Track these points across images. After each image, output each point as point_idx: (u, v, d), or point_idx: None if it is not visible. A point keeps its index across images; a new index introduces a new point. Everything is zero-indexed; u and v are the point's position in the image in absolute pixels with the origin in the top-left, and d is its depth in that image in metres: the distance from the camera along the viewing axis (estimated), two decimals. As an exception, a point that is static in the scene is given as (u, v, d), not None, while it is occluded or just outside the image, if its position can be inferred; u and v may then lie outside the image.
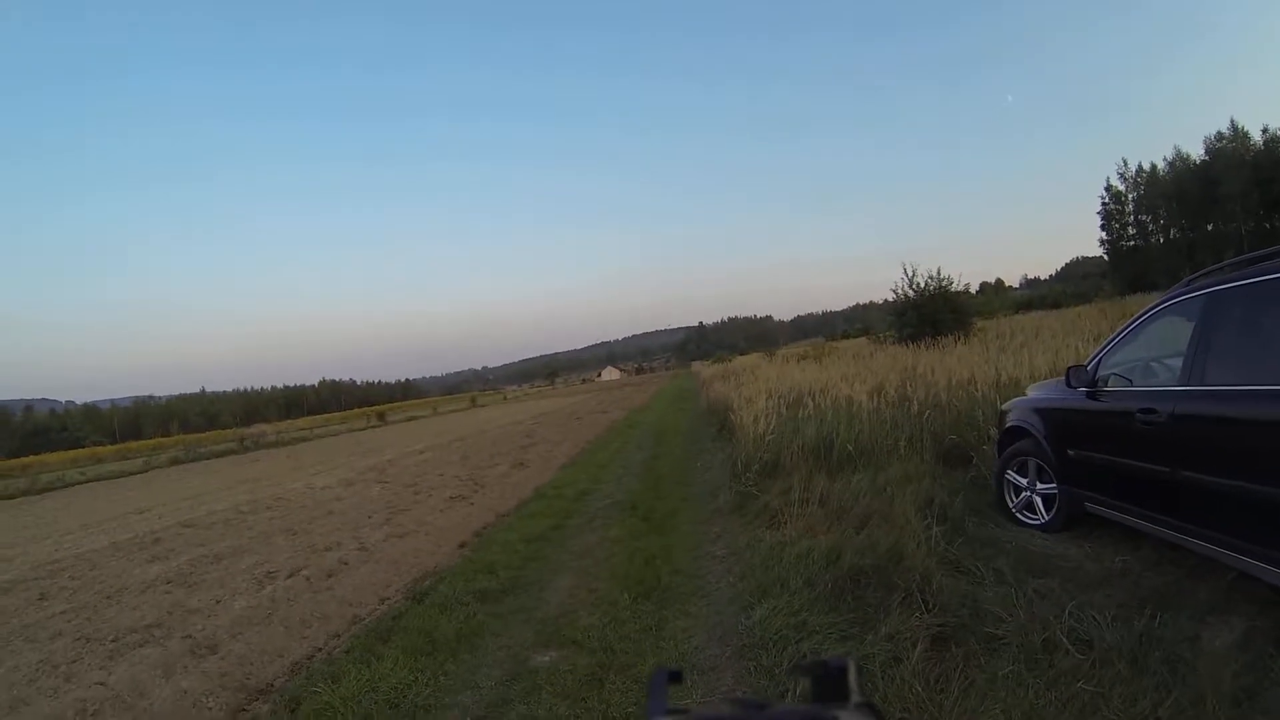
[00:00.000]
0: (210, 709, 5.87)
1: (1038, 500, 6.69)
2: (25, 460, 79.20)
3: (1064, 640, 4.15)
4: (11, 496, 37.21)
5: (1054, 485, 6.42)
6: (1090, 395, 5.81)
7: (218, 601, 8.94)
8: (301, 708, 5.46)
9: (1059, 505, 6.40)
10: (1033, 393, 7.27)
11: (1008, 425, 7.17)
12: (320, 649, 6.88)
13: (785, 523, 7.52)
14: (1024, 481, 6.83)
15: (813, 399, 12.49)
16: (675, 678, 0.95)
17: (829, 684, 0.88)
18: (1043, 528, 6.55)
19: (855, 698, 0.85)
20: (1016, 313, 58.31)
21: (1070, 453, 6.14)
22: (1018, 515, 6.88)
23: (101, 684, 6.74)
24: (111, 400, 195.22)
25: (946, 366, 13.73)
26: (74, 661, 7.54)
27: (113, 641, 7.97)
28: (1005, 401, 8.00)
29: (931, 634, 4.46)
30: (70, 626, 8.83)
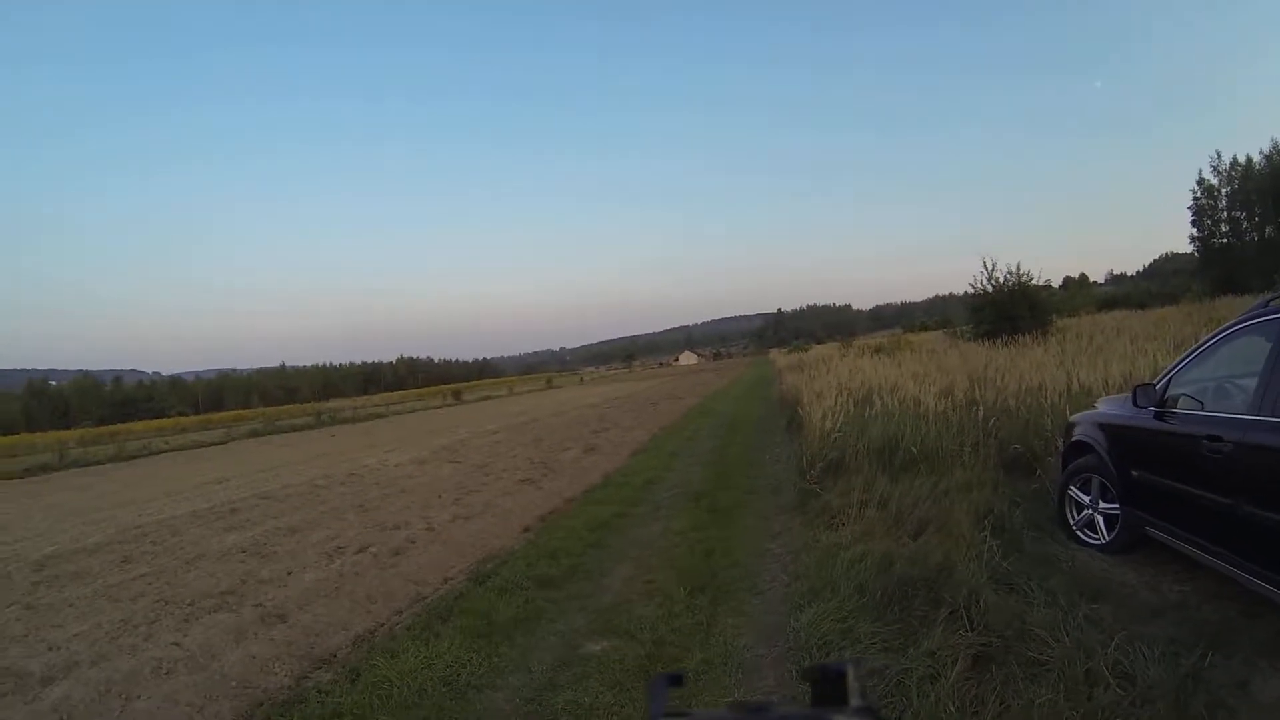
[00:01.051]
0: (276, 674, 6.14)
1: (1099, 519, 6.48)
2: (114, 428, 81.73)
3: (1106, 673, 4.03)
4: (100, 463, 38.57)
5: (1116, 505, 6.21)
6: (1158, 415, 5.61)
7: (289, 573, 9.25)
8: (361, 679, 5.67)
9: (1120, 526, 6.19)
10: (1101, 406, 7.05)
11: (1073, 439, 6.95)
12: (383, 624, 7.11)
13: (843, 524, 7.50)
14: (1086, 499, 6.63)
15: (881, 397, 12.34)
16: (675, 681, 0.94)
17: (828, 688, 0.89)
18: (1102, 548, 6.37)
19: (854, 701, 0.86)
20: (1099, 311, 55.89)
21: (1134, 473, 5.93)
22: (1078, 533, 6.69)
23: (176, 644, 7.08)
24: (196, 373, 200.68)
25: (1018, 369, 13.42)
26: (152, 622, 7.89)
27: (189, 605, 8.33)
28: (1074, 413, 7.79)
29: (973, 653, 4.39)
30: (150, 589, 9.23)
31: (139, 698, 6.01)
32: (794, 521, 8.69)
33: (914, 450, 9.56)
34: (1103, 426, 6.56)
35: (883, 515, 7.43)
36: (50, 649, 7.42)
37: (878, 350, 34.61)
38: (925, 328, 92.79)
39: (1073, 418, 7.42)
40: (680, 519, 9.72)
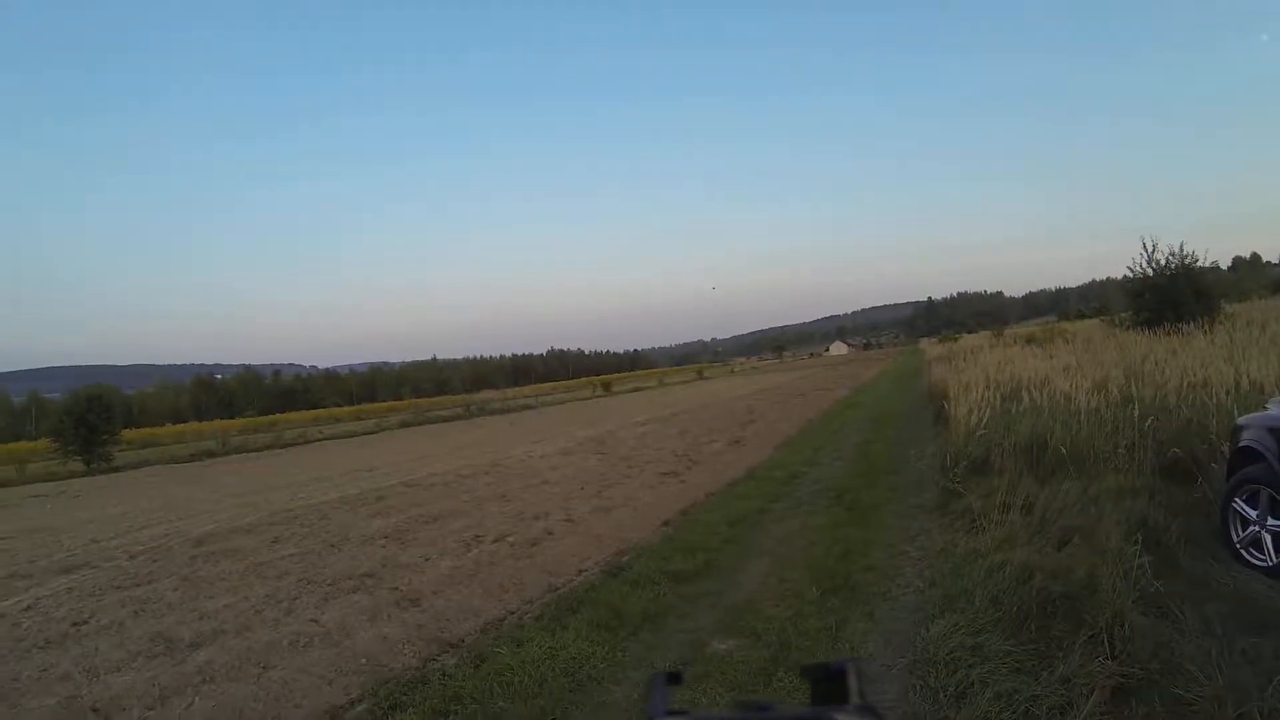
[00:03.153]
0: (404, 655, 6.41)
1: (1267, 538, 5.74)
2: (272, 418, 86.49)
3: (1259, 720, 3.63)
4: (259, 450, 40.79)
5: (1288, 523, 5.57)
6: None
7: (426, 559, 9.58)
8: (484, 666, 5.83)
9: (1291, 547, 5.55)
10: (1273, 408, 6.36)
11: (1241, 444, 6.25)
12: (512, 613, 7.27)
13: (984, 529, 7.14)
14: (1253, 514, 5.89)
15: (1029, 392, 11.76)
16: (675, 679, 0.95)
17: (829, 686, 0.89)
18: (1269, 571, 5.63)
19: (855, 700, 0.86)
20: (1275, 295, 50.86)
21: None
22: (1242, 553, 5.96)
23: (314, 621, 7.49)
24: (350, 366, 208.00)
25: (1180, 362, 12.52)
26: (295, 599, 8.38)
27: (329, 585, 8.77)
28: (1243, 414, 7.00)
29: (1112, 684, 4.06)
30: (296, 568, 9.77)
31: (275, 667, 6.39)
32: (934, 523, 8.41)
33: (1063, 451, 8.98)
34: (1273, 431, 5.89)
35: (1026, 521, 7.00)
36: (200, 618, 8.02)
37: (1029, 340, 33.32)
38: (1081, 315, 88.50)
39: (1241, 420, 6.65)
40: (820, 516, 9.60)
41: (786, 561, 7.79)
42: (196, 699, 5.96)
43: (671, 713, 0.86)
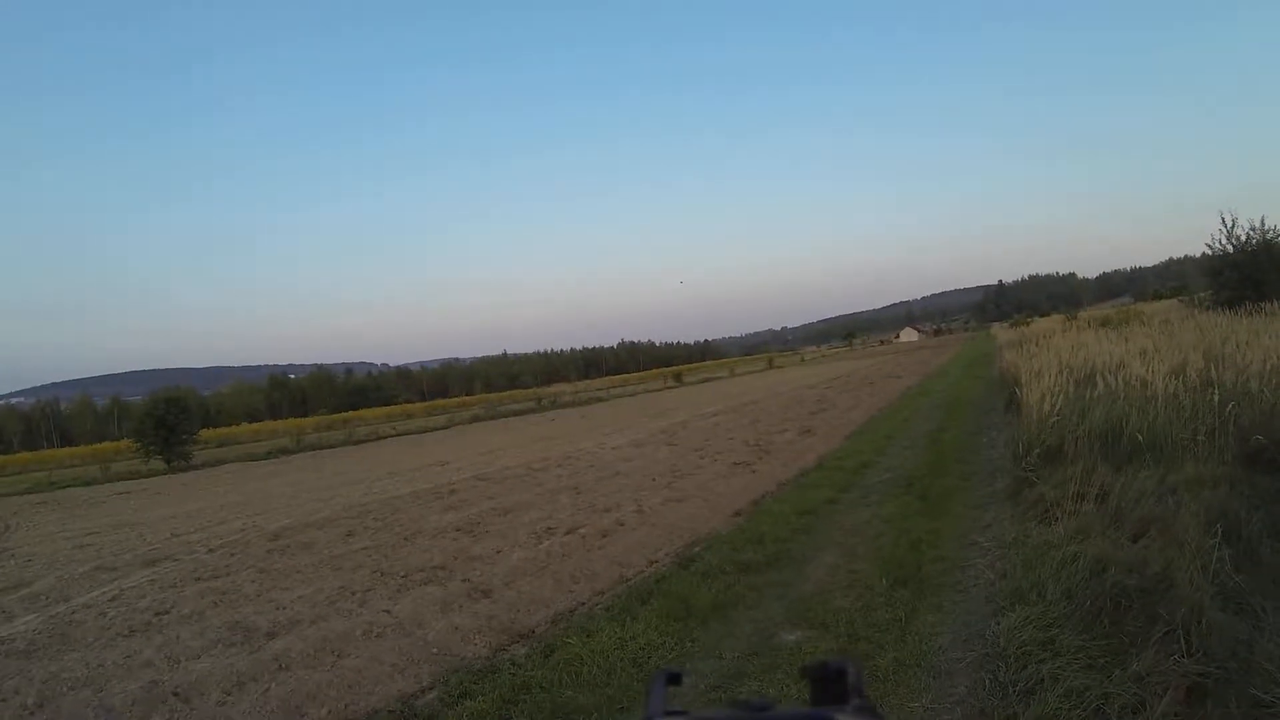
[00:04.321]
0: (474, 645, 6.54)
1: None
2: (345, 415, 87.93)
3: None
4: (332, 446, 41.60)
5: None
6: None
7: (498, 551, 9.71)
8: (554, 656, 5.93)
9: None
10: None
11: None
12: (583, 604, 7.37)
13: (1057, 519, 6.93)
14: None
15: (1104, 377, 11.45)
16: (674, 679, 0.96)
17: (828, 686, 0.89)
18: None
19: (855, 700, 0.86)
20: None
21: None
22: None
23: (387, 612, 7.66)
24: (422, 363, 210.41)
25: (1263, 344, 12.05)
26: (368, 590, 8.58)
27: (402, 577, 8.96)
28: None
29: (1188, 683, 3.94)
30: (369, 561, 10.01)
31: (349, 655, 6.59)
32: (1006, 512, 8.29)
33: (1139, 438, 8.72)
34: None
35: (1100, 511, 6.77)
36: (277, 608, 8.28)
37: (1103, 323, 32.46)
38: (1158, 296, 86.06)
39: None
40: (890, 505, 9.54)
41: (856, 552, 7.76)
42: (272, 685, 6.18)
43: (671, 713, 0.87)
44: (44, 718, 6.17)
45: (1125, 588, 4.92)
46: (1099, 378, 11.56)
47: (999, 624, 5.11)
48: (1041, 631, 4.70)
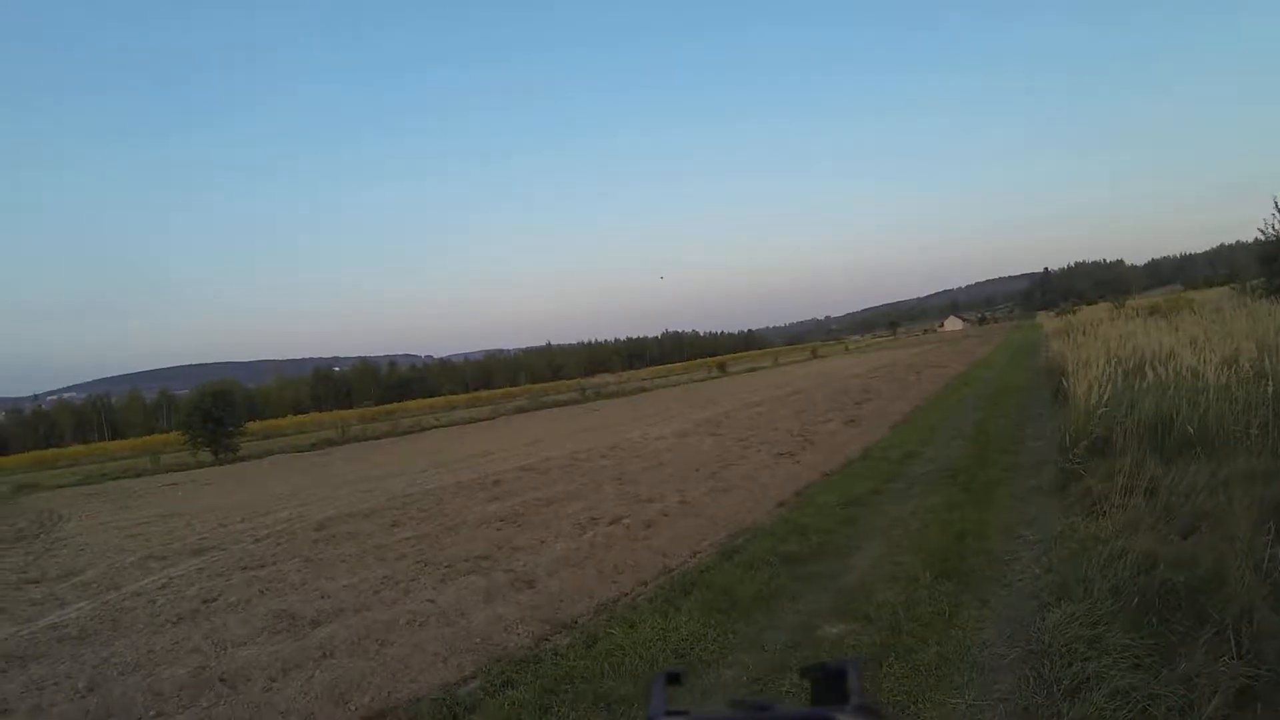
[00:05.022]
0: (517, 634, 6.58)
1: None
2: (389, 407, 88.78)
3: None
4: (377, 438, 42.01)
5: None
6: None
7: (542, 541, 9.76)
8: (597, 646, 5.96)
9: None
10: None
11: None
12: (626, 594, 7.39)
13: (1104, 513, 6.85)
14: None
15: (1153, 368, 11.23)
16: (675, 679, 0.96)
17: (829, 686, 0.89)
18: None
19: (855, 699, 0.86)
20: None
21: None
22: None
23: (431, 601, 7.75)
24: (465, 355, 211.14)
25: None
26: (411, 580, 8.68)
27: (446, 567, 9.05)
28: None
29: (1237, 685, 3.80)
30: (413, 551, 10.12)
31: (392, 644, 6.68)
32: (1052, 505, 8.20)
33: (1189, 430, 8.53)
34: None
35: (1149, 506, 6.64)
36: (322, 597, 8.43)
37: (1152, 311, 32.01)
38: (1208, 283, 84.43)
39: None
40: (935, 497, 9.48)
41: (900, 543, 7.72)
42: (317, 672, 6.29)
43: (672, 713, 0.87)
44: (95, 701, 6.31)
45: (1174, 585, 4.81)
46: (1148, 368, 11.39)
47: (1044, 620, 5.05)
48: (1088, 629, 4.62)
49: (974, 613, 5.60)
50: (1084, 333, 24.70)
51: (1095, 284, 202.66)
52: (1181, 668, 4.01)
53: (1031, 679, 4.41)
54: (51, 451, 77.22)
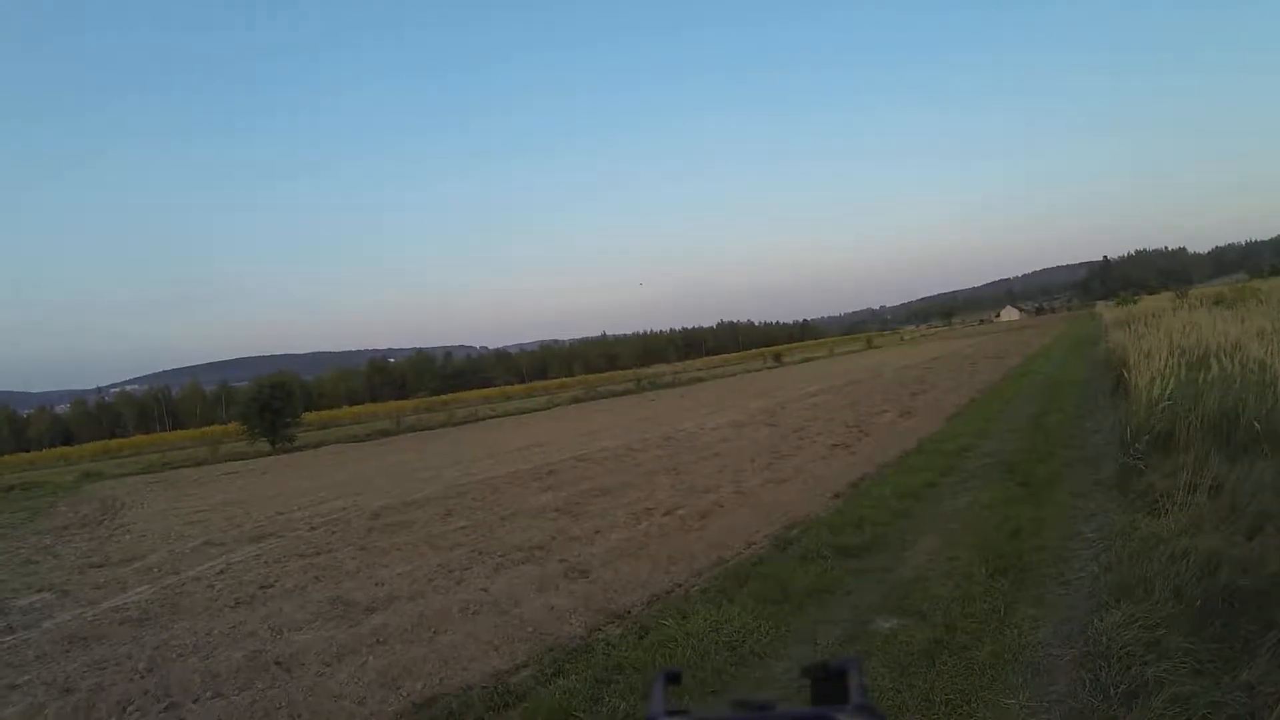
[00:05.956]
0: (570, 624, 6.64)
1: None
2: (444, 398, 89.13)
3: None
4: (432, 428, 42.40)
5: None
6: None
7: (596, 532, 9.84)
8: (648, 637, 5.98)
9: None
10: None
11: None
12: (680, 585, 7.40)
13: (1167, 511, 6.68)
14: None
15: (1219, 360, 10.91)
16: (675, 679, 0.95)
17: (829, 686, 0.89)
18: None
19: (855, 699, 0.85)
20: None
21: None
22: None
23: (484, 590, 7.85)
24: (520, 345, 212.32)
25: None
26: (465, 569, 8.80)
27: (500, 556, 9.15)
28: None
29: None
30: (467, 540, 10.25)
31: (445, 632, 6.79)
32: (1112, 502, 8.02)
33: (1257, 426, 8.20)
34: None
35: (1214, 504, 6.46)
36: (376, 585, 8.58)
37: (1217, 301, 31.21)
38: (1275, 272, 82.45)
39: None
40: (991, 491, 9.34)
41: (955, 538, 7.64)
42: (370, 658, 6.42)
43: (672, 713, 0.87)
44: (154, 681, 6.52)
45: (1239, 588, 4.69)
46: (1213, 360, 11.03)
47: (1102, 621, 4.90)
48: (1147, 631, 4.49)
49: (1030, 611, 5.50)
50: (1145, 323, 24.14)
51: (1157, 273, 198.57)
52: (1244, 675, 3.87)
53: (1088, 682, 4.29)
54: (115, 441, 79.48)
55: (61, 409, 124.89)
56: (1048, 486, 9.21)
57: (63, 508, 23.48)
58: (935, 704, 4.35)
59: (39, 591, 10.69)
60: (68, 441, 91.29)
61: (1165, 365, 11.07)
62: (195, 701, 6.02)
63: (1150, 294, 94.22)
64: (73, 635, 8.23)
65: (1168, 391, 9.86)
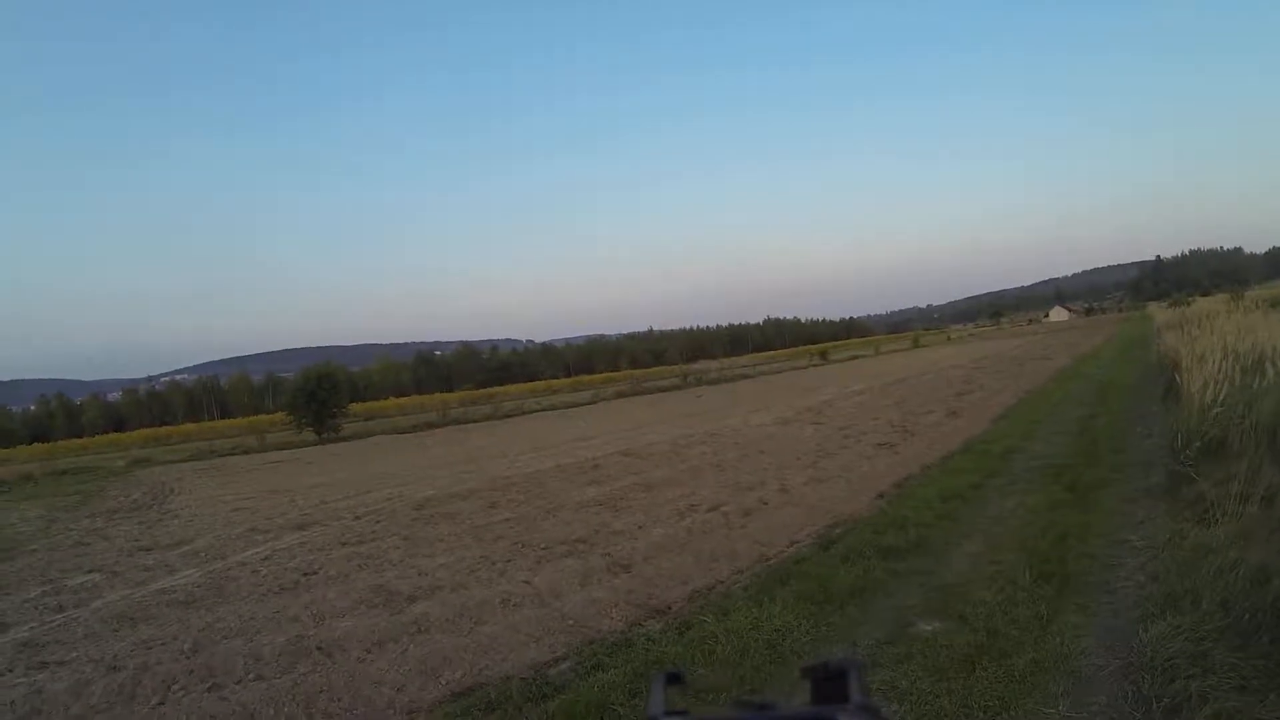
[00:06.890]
0: (610, 618, 6.67)
1: None
2: (490, 390, 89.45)
3: None
4: (476, 421, 42.64)
5: None
6: None
7: (639, 526, 9.88)
8: (689, 633, 6.00)
9: None
10: None
11: None
12: (721, 582, 7.40)
13: (1217, 520, 6.54)
14: None
15: (1275, 364, 10.68)
16: (675, 679, 0.96)
17: (830, 686, 0.88)
18: None
19: (856, 699, 0.85)
20: None
21: None
22: None
23: (527, 583, 7.91)
24: (566, 339, 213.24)
25: None
26: (508, 561, 8.88)
27: (543, 549, 9.22)
28: None
29: None
30: (510, 532, 10.32)
31: (486, 622, 6.86)
32: (1160, 509, 7.89)
33: None
34: None
35: (1266, 515, 6.25)
36: (419, 574, 8.68)
37: (1273, 304, 30.54)
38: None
39: None
40: (1037, 495, 9.25)
41: (999, 542, 7.56)
42: (410, 646, 6.51)
43: (672, 713, 0.88)
44: (199, 661, 6.68)
45: (1290, 601, 4.54)
46: (1269, 365, 10.79)
47: (1147, 632, 4.85)
48: (1193, 644, 4.43)
49: (1073, 619, 5.43)
50: (1199, 325, 23.65)
51: (1210, 273, 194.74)
52: (1292, 691, 3.77)
53: (1130, 694, 4.25)
54: (165, 429, 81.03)
55: (113, 397, 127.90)
56: (1095, 492, 9.08)
57: (113, 492, 24.01)
58: (974, 710, 4.32)
59: (89, 572, 10.97)
60: (119, 428, 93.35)
61: (1219, 369, 10.84)
62: (238, 683, 6.14)
63: (1204, 295, 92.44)
64: (121, 615, 8.45)
65: (1221, 396, 9.66)
